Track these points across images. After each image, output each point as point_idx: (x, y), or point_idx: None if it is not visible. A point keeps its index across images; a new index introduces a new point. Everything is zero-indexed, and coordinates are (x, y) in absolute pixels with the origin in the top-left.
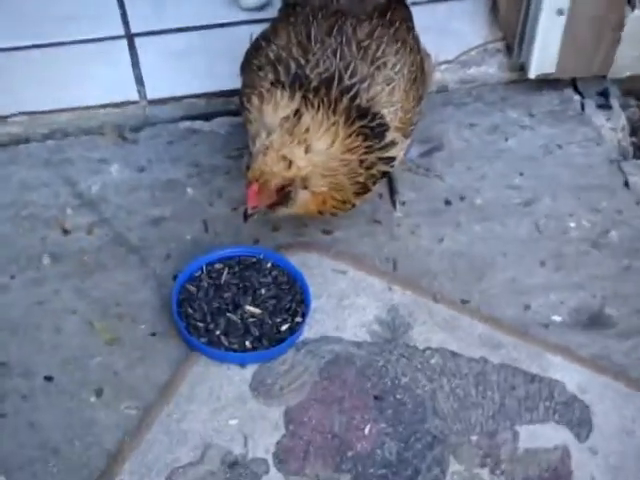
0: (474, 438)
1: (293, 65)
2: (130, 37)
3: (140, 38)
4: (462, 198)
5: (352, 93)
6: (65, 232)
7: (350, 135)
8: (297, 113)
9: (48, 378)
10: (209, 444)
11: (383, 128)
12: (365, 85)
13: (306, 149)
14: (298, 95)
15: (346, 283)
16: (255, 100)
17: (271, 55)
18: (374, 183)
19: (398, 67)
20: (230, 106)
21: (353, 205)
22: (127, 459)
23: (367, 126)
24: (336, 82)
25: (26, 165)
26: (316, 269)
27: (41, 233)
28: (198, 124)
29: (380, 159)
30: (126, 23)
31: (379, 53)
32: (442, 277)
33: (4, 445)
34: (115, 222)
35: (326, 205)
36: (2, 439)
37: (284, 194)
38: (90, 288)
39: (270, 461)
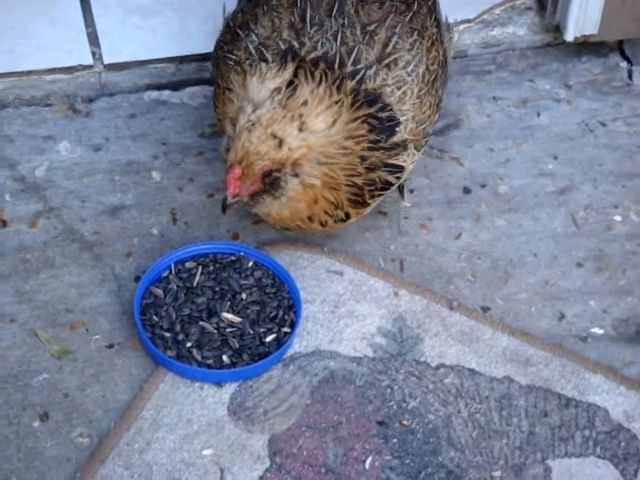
0: (497, 474)
1: (284, 47)
2: None
3: None
4: (483, 186)
5: (357, 79)
6: (3, 224)
7: (354, 120)
8: (291, 84)
9: None
10: (178, 479)
11: (393, 122)
12: (371, 72)
13: (300, 126)
14: (291, 65)
15: (343, 287)
16: (235, 76)
17: (251, 47)
18: (372, 195)
19: (412, 66)
20: (204, 73)
21: (347, 215)
22: None
23: (375, 116)
24: (337, 67)
25: None
26: (307, 270)
27: None
28: (166, 94)
29: (385, 165)
30: None
31: (390, 48)
32: (459, 280)
33: None
34: (65, 212)
35: (317, 206)
36: None
37: (272, 181)
38: (34, 291)
39: None
